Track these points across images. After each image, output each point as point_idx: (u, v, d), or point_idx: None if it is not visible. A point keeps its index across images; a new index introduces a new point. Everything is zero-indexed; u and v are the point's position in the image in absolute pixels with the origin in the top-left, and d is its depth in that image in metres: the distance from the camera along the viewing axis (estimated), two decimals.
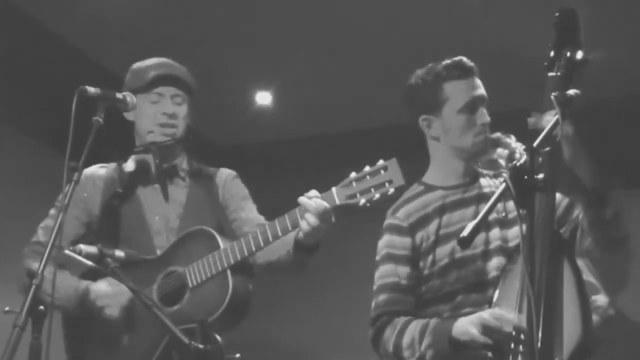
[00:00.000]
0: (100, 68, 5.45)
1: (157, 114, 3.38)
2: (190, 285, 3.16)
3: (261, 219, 3.37)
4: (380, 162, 2.92)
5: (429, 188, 3.11)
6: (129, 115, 3.43)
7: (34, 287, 2.56)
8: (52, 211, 3.43)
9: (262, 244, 3.06)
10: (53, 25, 5.21)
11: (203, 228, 3.25)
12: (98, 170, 3.47)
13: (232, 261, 3.10)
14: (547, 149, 2.51)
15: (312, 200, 2.93)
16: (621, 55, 5.21)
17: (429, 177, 3.16)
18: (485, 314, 2.72)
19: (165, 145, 3.40)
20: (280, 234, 3.03)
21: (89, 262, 2.83)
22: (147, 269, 3.24)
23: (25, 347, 2.51)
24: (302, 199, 2.95)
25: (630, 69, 5.46)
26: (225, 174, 3.50)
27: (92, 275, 3.28)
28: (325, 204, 2.91)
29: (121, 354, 3.23)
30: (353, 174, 2.93)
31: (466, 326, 2.75)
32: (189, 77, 3.49)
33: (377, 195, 2.88)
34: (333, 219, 2.96)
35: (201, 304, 3.12)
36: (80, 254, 2.86)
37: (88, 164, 2.93)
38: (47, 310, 2.55)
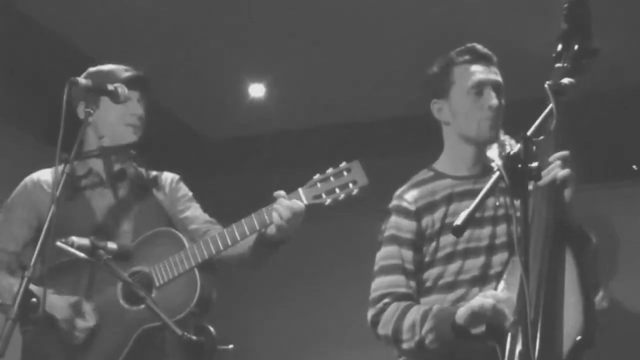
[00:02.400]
0: (94, 64, 5.42)
1: (126, 115, 3.38)
2: (157, 284, 3.18)
3: (206, 216, 3.43)
4: (343, 164, 3.07)
5: (439, 175, 3.10)
6: (83, 114, 3.30)
7: (25, 279, 2.55)
8: (0, 217, 3.42)
9: (229, 242, 3.12)
10: (46, 20, 5.19)
11: (168, 229, 3.30)
12: (44, 175, 3.45)
13: (199, 260, 3.14)
14: (541, 137, 2.51)
15: (293, 201, 3.04)
16: (616, 46, 5.20)
17: (439, 164, 3.14)
18: (485, 292, 2.73)
19: (119, 150, 3.40)
20: (247, 232, 3.11)
21: (82, 254, 2.82)
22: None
23: (18, 339, 2.50)
24: (280, 199, 3.05)
25: (626, 60, 5.45)
26: (169, 178, 3.52)
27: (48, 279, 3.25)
28: (301, 204, 3.04)
29: (87, 354, 3.20)
30: (317, 176, 3.08)
31: (468, 308, 2.75)
32: (151, 86, 3.51)
33: (342, 195, 3.05)
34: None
35: (168, 302, 3.12)
36: (72, 246, 2.85)
37: (79, 155, 2.91)
38: (40, 303, 2.55)
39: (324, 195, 3.04)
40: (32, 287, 3.01)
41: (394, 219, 3.06)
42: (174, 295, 3.15)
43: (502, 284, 2.78)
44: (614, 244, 5.49)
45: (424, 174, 3.13)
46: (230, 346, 2.75)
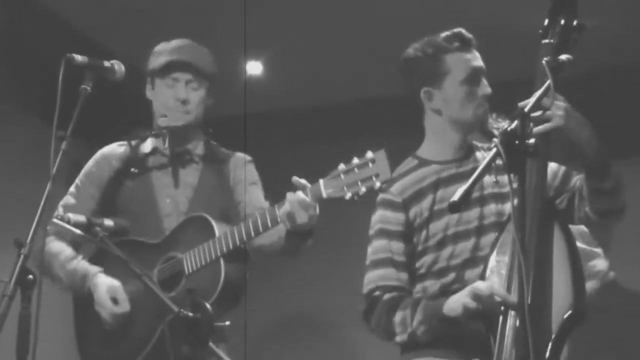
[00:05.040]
0: (88, 39, 5.41)
1: (170, 100, 3.42)
2: (187, 272, 3.19)
3: (264, 204, 3.40)
4: (369, 154, 2.93)
5: (423, 162, 3.09)
6: (149, 95, 3.50)
7: (22, 256, 2.55)
8: (72, 189, 3.47)
9: (252, 233, 3.11)
10: None
11: (202, 215, 3.28)
12: (116, 148, 3.52)
13: (224, 249, 3.14)
14: (538, 114, 2.51)
15: (296, 194, 2.99)
16: (613, 24, 5.18)
17: (423, 151, 3.13)
18: (476, 284, 2.73)
19: (176, 130, 3.42)
20: (270, 224, 3.08)
21: (78, 231, 2.82)
22: (150, 252, 3.27)
23: (15, 317, 2.50)
24: (288, 194, 3.01)
25: (623, 38, 5.43)
26: (239, 158, 3.53)
27: (103, 257, 3.33)
28: (307, 200, 2.96)
29: (121, 341, 3.27)
30: (342, 166, 2.95)
31: (457, 299, 2.75)
32: (206, 61, 3.50)
33: (364, 189, 2.91)
34: (317, 210, 3.02)
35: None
36: (68, 222, 2.85)
37: (75, 132, 2.91)
38: (37, 280, 2.54)
39: (345, 188, 2.93)
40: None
41: (381, 212, 3.06)
42: (200, 285, 3.13)
43: (489, 265, 2.77)
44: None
45: (408, 163, 3.12)
46: (227, 323, 2.75)
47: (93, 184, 3.45)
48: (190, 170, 3.46)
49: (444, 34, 3.06)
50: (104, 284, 3.25)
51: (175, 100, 3.41)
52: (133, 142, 3.49)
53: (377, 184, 2.90)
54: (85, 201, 3.39)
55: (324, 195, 2.96)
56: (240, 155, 3.55)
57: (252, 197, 3.43)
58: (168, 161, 3.46)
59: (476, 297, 2.68)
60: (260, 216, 3.10)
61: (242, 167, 3.50)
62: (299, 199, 2.97)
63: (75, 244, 3.37)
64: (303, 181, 3.01)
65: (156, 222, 3.35)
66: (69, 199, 3.44)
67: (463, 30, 3.07)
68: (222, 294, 3.11)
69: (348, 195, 2.93)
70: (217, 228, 3.20)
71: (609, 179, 2.72)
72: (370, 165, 2.91)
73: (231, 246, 3.12)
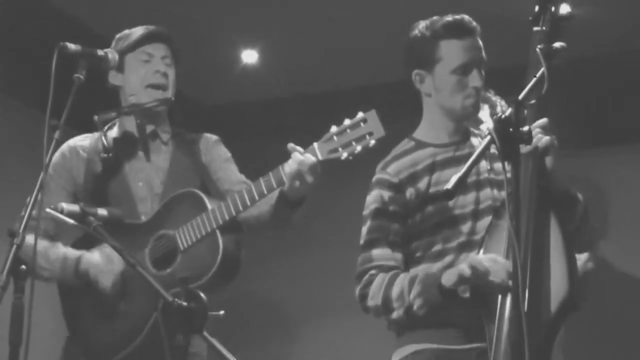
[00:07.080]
0: (84, 28, 5.39)
1: (148, 74, 3.37)
2: (182, 247, 3.19)
3: (242, 177, 3.40)
4: (360, 114, 2.94)
5: (420, 144, 3.09)
6: (115, 80, 3.42)
7: (14, 247, 2.55)
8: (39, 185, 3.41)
9: (248, 202, 3.08)
10: None
11: (190, 190, 3.27)
12: (82, 140, 3.47)
13: (220, 222, 3.12)
14: (533, 101, 2.51)
15: (304, 155, 2.95)
16: (600, 12, 5.17)
17: (420, 133, 3.14)
18: (476, 256, 2.73)
19: (148, 109, 3.38)
20: (265, 191, 3.05)
21: (71, 221, 2.81)
22: (138, 234, 3.26)
23: (8, 307, 2.49)
24: (293, 154, 2.97)
25: (612, 26, 5.42)
26: (207, 139, 3.51)
27: (84, 244, 3.32)
28: (314, 159, 2.94)
29: (116, 320, 3.25)
30: (334, 128, 2.95)
31: (455, 269, 2.75)
32: (176, 41, 3.48)
33: (359, 148, 2.91)
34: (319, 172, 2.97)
35: (193, 265, 3.14)
36: (62, 212, 2.84)
37: (69, 121, 2.90)
38: (29, 270, 2.54)
39: (340, 149, 2.93)
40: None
41: (377, 192, 3.05)
42: (198, 258, 3.14)
43: (483, 249, 2.78)
44: (605, 207, 5.50)
45: (405, 144, 3.12)
46: (222, 312, 2.74)
47: (62, 176, 3.39)
48: (161, 152, 3.43)
49: (446, 19, 3.03)
50: (94, 252, 3.24)
51: (154, 73, 3.36)
52: (100, 130, 3.40)
53: (372, 142, 2.90)
54: (56, 195, 3.31)
55: (320, 157, 2.95)
56: (208, 135, 3.53)
57: (230, 173, 3.41)
58: (138, 143, 3.41)
59: (473, 267, 2.68)
60: (255, 185, 3.07)
61: (213, 146, 3.48)
62: (311, 162, 2.94)
63: (49, 236, 3.32)
64: (298, 148, 2.99)
65: (131, 206, 3.32)
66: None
67: (466, 17, 3.04)
68: (221, 266, 3.11)
69: (344, 155, 2.93)
70: (209, 202, 3.19)
71: (572, 221, 2.73)
72: (362, 125, 2.92)
73: (227, 217, 3.10)
